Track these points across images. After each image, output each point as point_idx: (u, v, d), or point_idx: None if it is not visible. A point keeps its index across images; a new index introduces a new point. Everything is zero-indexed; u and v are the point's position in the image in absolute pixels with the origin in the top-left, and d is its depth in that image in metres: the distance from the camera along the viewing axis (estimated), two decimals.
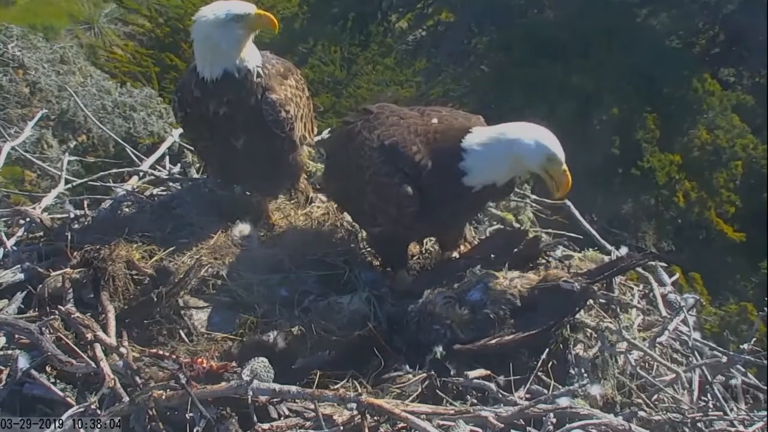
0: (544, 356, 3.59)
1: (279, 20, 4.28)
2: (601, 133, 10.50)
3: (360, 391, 3.39)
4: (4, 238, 4.34)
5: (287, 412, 3.24)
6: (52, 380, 3.40)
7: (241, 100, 4.11)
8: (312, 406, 3.17)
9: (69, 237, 4.10)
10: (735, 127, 10.07)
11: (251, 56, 4.14)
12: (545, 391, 3.45)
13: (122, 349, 3.40)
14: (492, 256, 4.04)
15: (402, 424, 3.15)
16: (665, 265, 4.85)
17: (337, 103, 10.99)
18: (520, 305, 3.67)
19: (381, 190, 3.80)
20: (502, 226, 5.14)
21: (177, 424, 3.17)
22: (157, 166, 5.48)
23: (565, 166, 3.68)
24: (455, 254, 4.43)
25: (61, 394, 3.34)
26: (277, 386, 3.20)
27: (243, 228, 4.33)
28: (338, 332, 3.65)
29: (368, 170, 3.84)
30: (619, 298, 4.18)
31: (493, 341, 3.55)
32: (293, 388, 3.21)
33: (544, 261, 4.29)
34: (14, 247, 4.30)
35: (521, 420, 3.22)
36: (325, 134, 5.46)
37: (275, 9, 11.80)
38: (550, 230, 5.19)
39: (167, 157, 5.59)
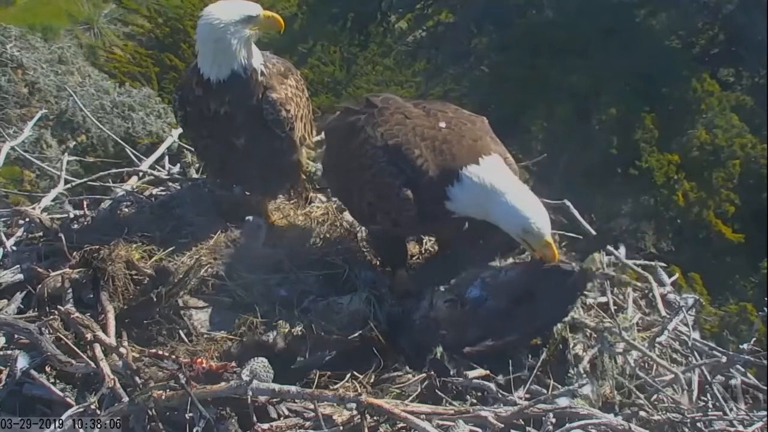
0: (543, 356, 3.60)
1: None
2: (600, 133, 10.47)
3: (360, 391, 3.40)
4: (4, 238, 4.34)
5: (287, 412, 3.24)
6: (52, 380, 3.40)
7: (243, 99, 4.11)
8: (312, 406, 3.17)
9: (68, 237, 4.09)
10: (734, 126, 10.05)
11: (255, 56, 4.15)
12: (545, 390, 3.45)
13: (122, 349, 3.40)
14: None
15: (402, 424, 3.15)
16: (665, 265, 4.85)
17: (337, 104, 10.98)
18: (520, 294, 3.66)
19: (382, 190, 3.77)
20: None
21: (177, 424, 3.17)
22: (156, 166, 5.47)
23: (548, 239, 3.58)
24: None
25: (60, 394, 3.35)
26: (276, 386, 3.21)
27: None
28: (338, 332, 3.65)
29: (370, 169, 3.80)
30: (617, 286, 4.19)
31: (500, 342, 3.56)
32: (293, 388, 3.22)
33: None
34: (14, 247, 4.30)
35: (521, 420, 3.23)
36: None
37: (274, 9, 11.77)
38: None
39: (166, 157, 5.59)
